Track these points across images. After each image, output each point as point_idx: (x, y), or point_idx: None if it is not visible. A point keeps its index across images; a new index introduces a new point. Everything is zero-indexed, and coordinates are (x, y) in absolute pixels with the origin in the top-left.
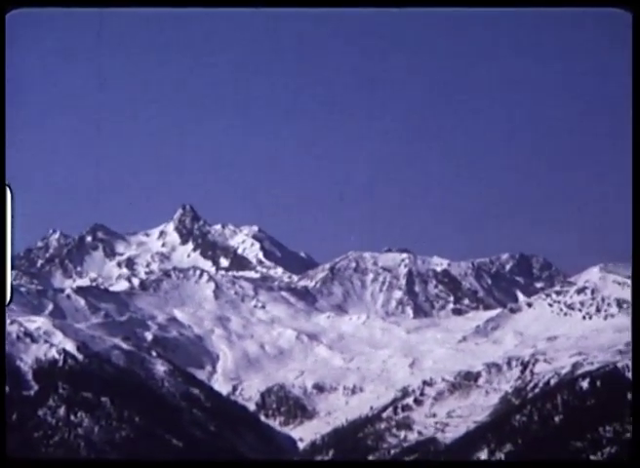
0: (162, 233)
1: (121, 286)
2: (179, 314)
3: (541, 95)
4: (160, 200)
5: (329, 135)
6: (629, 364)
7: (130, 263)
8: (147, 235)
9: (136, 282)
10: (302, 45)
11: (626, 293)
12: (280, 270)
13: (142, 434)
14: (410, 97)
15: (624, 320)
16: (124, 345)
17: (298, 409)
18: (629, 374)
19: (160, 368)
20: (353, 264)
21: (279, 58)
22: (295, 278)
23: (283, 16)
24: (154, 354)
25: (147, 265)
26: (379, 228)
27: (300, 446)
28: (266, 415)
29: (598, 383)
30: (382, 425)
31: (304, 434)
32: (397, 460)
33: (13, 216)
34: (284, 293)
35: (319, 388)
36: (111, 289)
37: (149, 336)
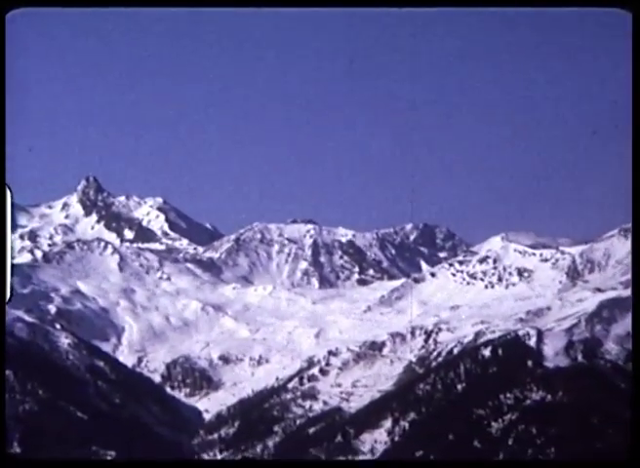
0: (65, 205)
1: (24, 258)
2: (83, 286)
3: (540, 95)
4: (63, 171)
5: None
6: (530, 331)
7: (32, 236)
8: (50, 207)
9: (39, 254)
10: (300, 44)
11: (527, 262)
12: (185, 242)
13: (47, 407)
14: (409, 97)
15: (525, 288)
16: (27, 318)
17: (203, 380)
18: (530, 342)
19: (64, 340)
20: (258, 235)
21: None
22: (200, 249)
23: (283, 16)
24: (58, 327)
25: (50, 237)
26: (284, 200)
27: (206, 417)
28: (172, 387)
29: (500, 351)
30: (288, 396)
31: (210, 405)
32: (397, 460)
33: (13, 216)
34: (189, 265)
35: (225, 359)
36: (13, 261)
37: (53, 309)
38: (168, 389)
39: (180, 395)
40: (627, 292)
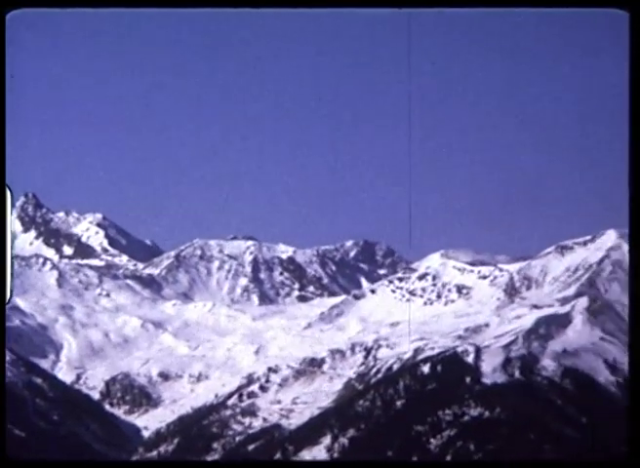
0: None
1: None
2: (21, 303)
3: (538, 95)
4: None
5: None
6: (468, 348)
7: None
8: None
9: None
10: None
11: (466, 279)
12: (125, 258)
13: None
14: (407, 97)
15: (464, 305)
16: None
17: (142, 397)
18: (468, 358)
19: None
20: (199, 252)
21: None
22: (140, 266)
23: (281, 16)
24: None
25: None
26: (224, 216)
27: (145, 434)
28: (111, 404)
29: (438, 368)
30: (227, 412)
31: (149, 422)
32: (396, 461)
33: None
34: (129, 282)
35: (164, 376)
36: None
37: None
38: (107, 406)
39: (120, 412)
40: (564, 309)
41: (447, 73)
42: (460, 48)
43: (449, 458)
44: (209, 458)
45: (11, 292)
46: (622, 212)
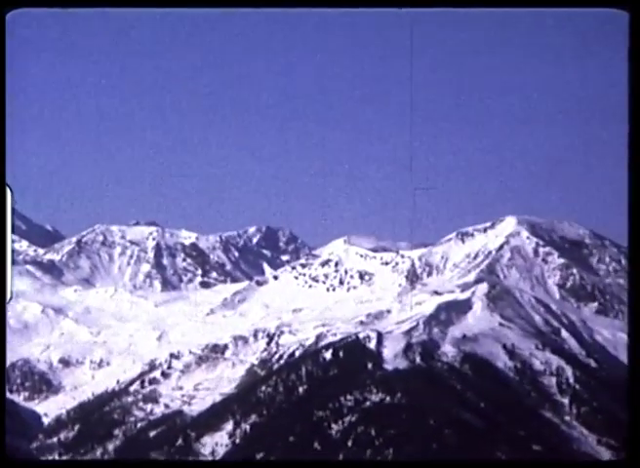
0: None
1: None
2: None
3: (538, 94)
4: None
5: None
6: (370, 334)
7: None
8: None
9: None
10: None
11: (368, 265)
12: (25, 244)
13: None
14: (406, 96)
15: (366, 291)
16: None
17: (43, 383)
18: (370, 344)
19: None
20: (100, 237)
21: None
22: (40, 251)
23: (281, 16)
24: None
25: None
26: (127, 201)
27: (45, 421)
28: (10, 390)
29: (340, 354)
30: (129, 399)
31: (49, 409)
32: (396, 461)
33: (12, 216)
34: (29, 267)
35: (65, 362)
36: None
37: None
38: (7, 393)
39: (19, 398)
40: (464, 295)
41: (447, 73)
42: (461, 48)
43: (350, 444)
44: (110, 445)
45: (11, 291)
46: (522, 199)
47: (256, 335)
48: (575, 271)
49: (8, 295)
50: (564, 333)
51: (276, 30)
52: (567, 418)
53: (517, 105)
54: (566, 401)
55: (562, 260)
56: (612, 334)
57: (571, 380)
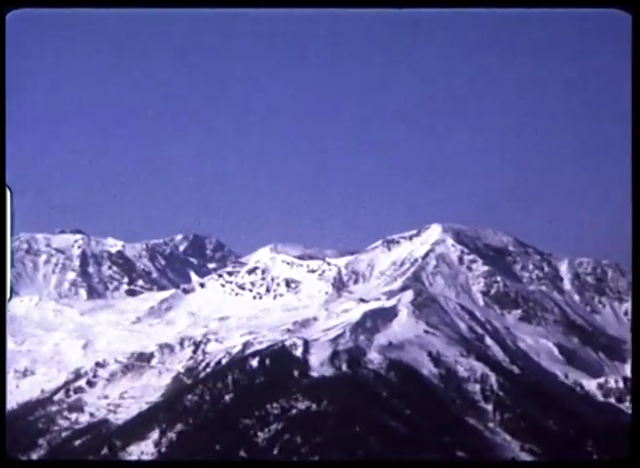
0: None
1: None
2: None
3: (539, 95)
4: None
5: None
6: (297, 341)
7: None
8: None
9: None
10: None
11: (295, 273)
12: None
13: None
14: (405, 97)
15: (293, 299)
16: None
17: None
18: (297, 352)
19: None
20: (25, 245)
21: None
22: None
23: (280, 16)
24: None
25: None
26: (53, 210)
27: None
28: None
29: (267, 361)
30: (54, 408)
31: None
32: (396, 461)
33: (12, 216)
34: None
35: None
36: None
37: None
38: None
39: None
40: (390, 303)
41: (447, 73)
42: (463, 48)
43: (276, 452)
44: (34, 455)
45: (11, 291)
46: (449, 206)
47: (182, 344)
48: (499, 278)
49: (7, 295)
50: (488, 340)
51: (277, 31)
52: (490, 425)
53: (514, 105)
54: (490, 407)
55: (486, 268)
56: (535, 341)
57: (495, 387)
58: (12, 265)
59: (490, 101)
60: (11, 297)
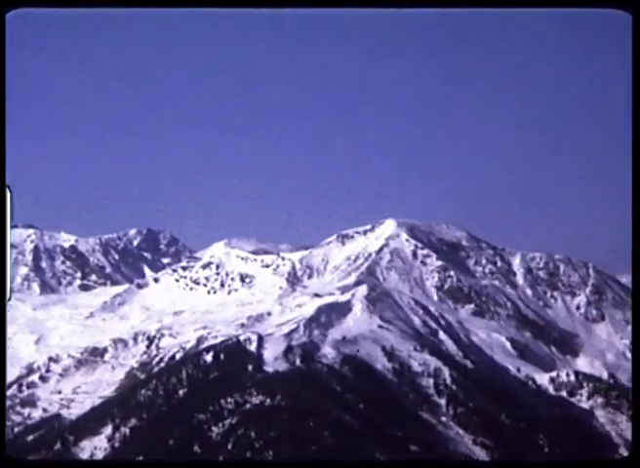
0: None
1: None
2: None
3: (540, 95)
4: None
5: None
6: (251, 336)
7: None
8: None
9: None
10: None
11: (249, 268)
12: None
13: None
14: (406, 96)
15: (247, 294)
16: None
17: None
18: (251, 347)
19: None
20: None
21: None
22: None
23: (280, 16)
24: None
25: None
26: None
27: None
28: None
29: (221, 356)
30: (7, 403)
31: None
32: (395, 460)
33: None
34: None
35: None
36: None
37: None
38: None
39: None
40: (344, 298)
41: (447, 73)
42: (463, 48)
43: (230, 447)
44: None
45: (11, 290)
46: (403, 201)
47: (136, 338)
48: (452, 273)
49: (7, 295)
50: (442, 335)
51: (277, 31)
52: (443, 419)
53: (515, 105)
54: (443, 401)
55: (440, 263)
56: (488, 335)
57: (448, 381)
58: (12, 265)
59: (490, 101)
60: (10, 297)
